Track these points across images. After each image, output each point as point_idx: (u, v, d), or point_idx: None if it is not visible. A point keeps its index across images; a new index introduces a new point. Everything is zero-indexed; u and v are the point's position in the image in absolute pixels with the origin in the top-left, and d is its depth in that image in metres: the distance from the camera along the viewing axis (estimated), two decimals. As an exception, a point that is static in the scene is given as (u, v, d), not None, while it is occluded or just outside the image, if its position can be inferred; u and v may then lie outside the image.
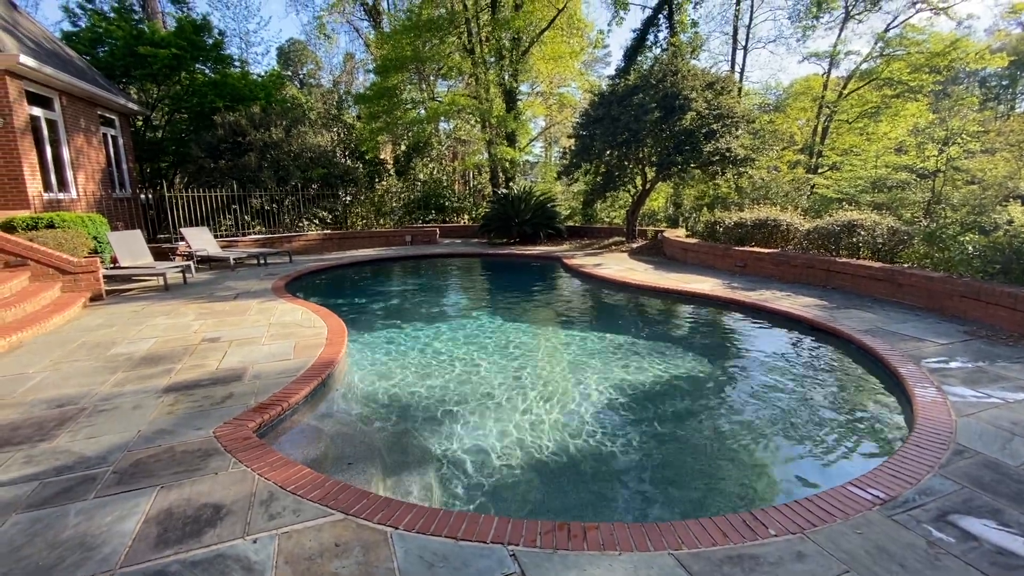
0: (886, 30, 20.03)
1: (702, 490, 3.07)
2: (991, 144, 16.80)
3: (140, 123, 17.13)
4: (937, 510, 2.42)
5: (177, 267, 8.62)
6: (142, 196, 14.72)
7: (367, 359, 5.33)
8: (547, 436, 3.62)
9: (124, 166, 13.96)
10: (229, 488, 2.67)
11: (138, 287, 8.43)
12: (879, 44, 19.93)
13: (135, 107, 13.78)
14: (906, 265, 6.98)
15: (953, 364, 4.31)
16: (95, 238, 9.10)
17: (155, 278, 8.81)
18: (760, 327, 6.28)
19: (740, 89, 22.00)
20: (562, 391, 4.41)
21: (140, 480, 2.76)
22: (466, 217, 20.23)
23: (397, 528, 2.34)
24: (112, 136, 13.41)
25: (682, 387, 4.50)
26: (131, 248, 9.18)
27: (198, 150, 13.71)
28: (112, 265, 8.95)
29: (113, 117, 13.36)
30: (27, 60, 9.19)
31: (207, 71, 16.34)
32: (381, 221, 17.17)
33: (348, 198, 15.93)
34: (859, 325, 5.49)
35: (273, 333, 5.52)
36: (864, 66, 20.93)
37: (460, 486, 3.04)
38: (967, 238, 6.76)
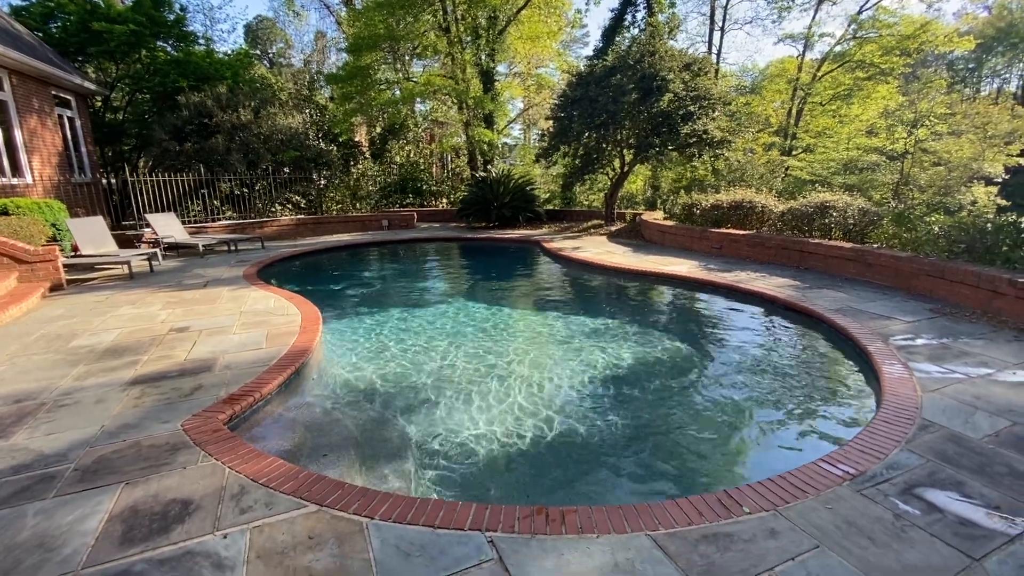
0: (859, 12, 20.24)
1: (676, 470, 3.11)
2: (957, 126, 17.22)
3: (99, 104, 16.34)
4: (904, 484, 2.49)
5: (142, 255, 8.31)
6: (105, 181, 14.13)
7: (343, 347, 5.23)
8: (523, 420, 3.61)
9: (83, 149, 13.32)
10: (198, 482, 2.60)
11: (101, 276, 8.11)
12: (852, 26, 20.14)
13: (92, 87, 13.11)
14: (875, 245, 7.14)
15: (919, 341, 4.44)
16: (53, 225, 8.70)
17: (119, 266, 8.48)
18: (735, 308, 6.37)
19: (717, 71, 22.06)
20: (539, 375, 4.41)
21: (103, 477, 2.66)
22: (444, 201, 19.97)
23: (373, 518, 2.30)
24: (69, 117, 12.76)
25: (657, 368, 4.54)
26: (93, 235, 8.80)
27: (161, 132, 13.15)
28: (73, 253, 8.58)
29: (69, 97, 12.70)
30: (-30, 35, 8.62)
31: (169, 49, 15.62)
32: (357, 206, 16.82)
33: (323, 182, 15.54)
34: (830, 304, 5.60)
35: (244, 322, 5.37)
36: (838, 48, 21.15)
37: (439, 473, 3.02)
38: (933, 218, 6.94)
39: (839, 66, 21.00)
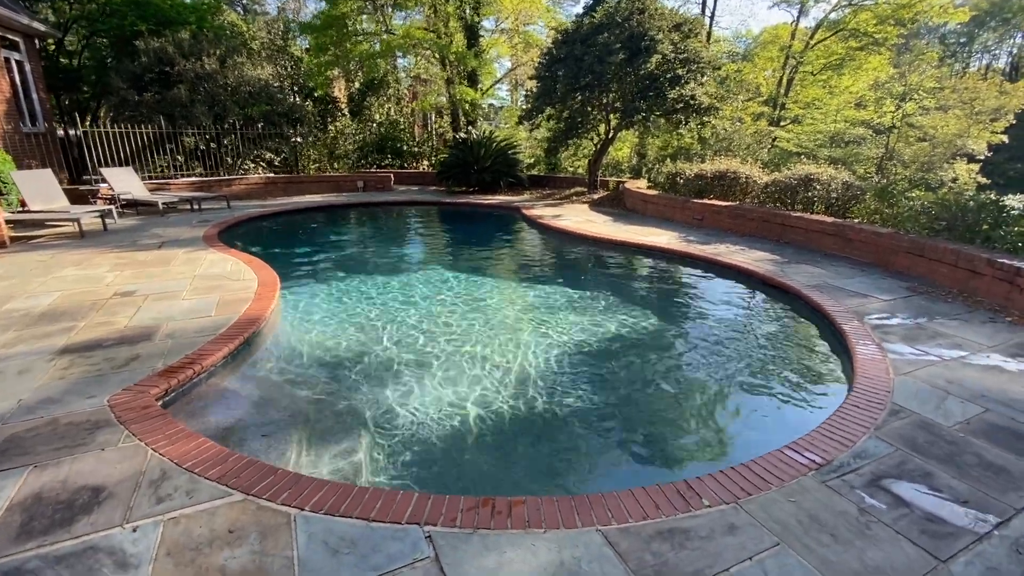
0: (857, -23, 19.62)
1: (636, 453, 2.98)
2: (945, 101, 17.05)
3: (52, 47, 15.22)
4: (871, 474, 2.38)
5: (95, 211, 7.81)
6: (62, 132, 13.25)
7: (300, 315, 4.97)
8: (478, 396, 3.43)
9: (34, 96, 12.38)
10: (115, 466, 2.37)
11: (50, 234, 7.62)
12: (849, -8, 19.56)
13: (42, 27, 12.08)
14: (857, 220, 7.01)
15: (894, 321, 4.34)
16: (-3, 178, 8.11)
17: (70, 224, 7.97)
18: (711, 282, 6.22)
19: (709, 35, 21.39)
20: (505, 350, 4.21)
21: (11, 459, 2.42)
22: (425, 163, 19.32)
23: (303, 509, 2.11)
24: (17, 61, 11.78)
25: (623, 344, 4.38)
26: (42, 190, 8.22)
27: (119, 80, 12.28)
28: (20, 209, 8.04)
29: (16, 39, 11.69)
30: None
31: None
32: (335, 165, 16.16)
33: (298, 139, 14.81)
34: (808, 280, 5.48)
35: (197, 287, 5.05)
36: (833, 16, 20.60)
37: (390, 458, 2.83)
38: (914, 194, 6.82)
39: (833, 34, 20.51)
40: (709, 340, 4.50)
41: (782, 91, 21.29)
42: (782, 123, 20.43)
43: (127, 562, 1.85)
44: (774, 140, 18.83)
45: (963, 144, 15.91)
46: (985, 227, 5.57)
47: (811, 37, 21.18)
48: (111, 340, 3.75)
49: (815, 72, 21.50)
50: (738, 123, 17.65)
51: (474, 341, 4.35)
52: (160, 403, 2.98)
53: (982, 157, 16.50)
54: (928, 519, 2.10)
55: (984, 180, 16.69)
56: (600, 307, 5.25)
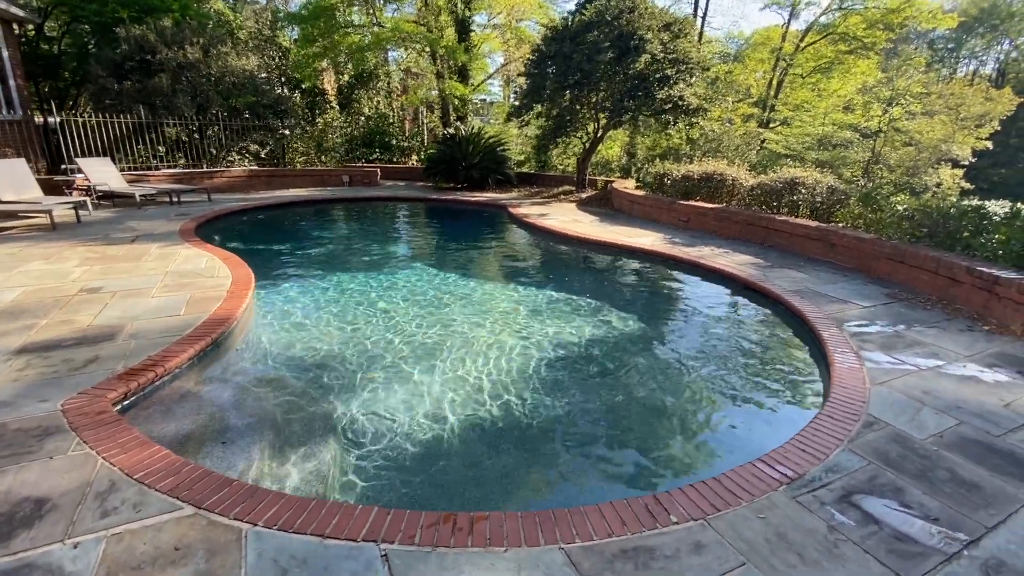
0: (847, -19, 19.71)
1: (603, 465, 2.92)
2: (932, 106, 17.21)
3: (32, 33, 14.81)
4: (842, 489, 2.34)
5: (67, 203, 7.59)
6: (41, 120, 12.91)
7: (274, 316, 4.85)
8: (453, 404, 3.36)
9: (11, 83, 12.02)
10: (62, 476, 2.26)
11: (21, 225, 7.40)
12: (839, -5, 19.66)
13: (19, 12, 11.73)
14: (841, 225, 7.02)
15: (873, 328, 4.32)
16: (-34, 166, 7.85)
17: (42, 216, 7.75)
18: (693, 285, 6.19)
19: (701, 35, 21.40)
20: (481, 354, 4.14)
21: (-49, 467, 2.30)
22: (414, 158, 19.14)
23: (256, 525, 2.02)
24: (-10, 45, 11.46)
25: (600, 349, 4.32)
26: (14, 180, 7.99)
27: (99, 68, 11.98)
28: (-10, 199, 7.79)
29: (-9, 23, 11.36)
30: None
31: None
32: (323, 159, 15.93)
33: (285, 131, 14.57)
34: (789, 285, 5.46)
35: (167, 284, 4.91)
36: (823, 19, 20.71)
37: (356, 469, 2.75)
38: (898, 199, 6.82)
39: (823, 37, 20.61)
40: (686, 346, 4.46)
41: (772, 93, 21.37)
42: (771, 125, 20.53)
43: (63, 582, 1.75)
44: (763, 142, 18.91)
45: (948, 149, 16.08)
46: (966, 234, 5.58)
47: (801, 40, 21.28)
48: (71, 340, 3.62)
49: (804, 75, 21.62)
50: (728, 124, 17.69)
51: (445, 345, 4.27)
52: (117, 408, 2.87)
53: (966, 163, 16.69)
54: (897, 537, 2.06)
55: (968, 185, 16.89)
56: (577, 310, 5.19)
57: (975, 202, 5.95)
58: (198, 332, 3.78)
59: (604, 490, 2.67)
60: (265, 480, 2.57)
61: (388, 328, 4.57)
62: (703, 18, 21.96)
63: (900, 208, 6.28)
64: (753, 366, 4.09)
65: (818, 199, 7.53)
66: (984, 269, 4.71)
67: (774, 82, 21.68)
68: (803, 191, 7.62)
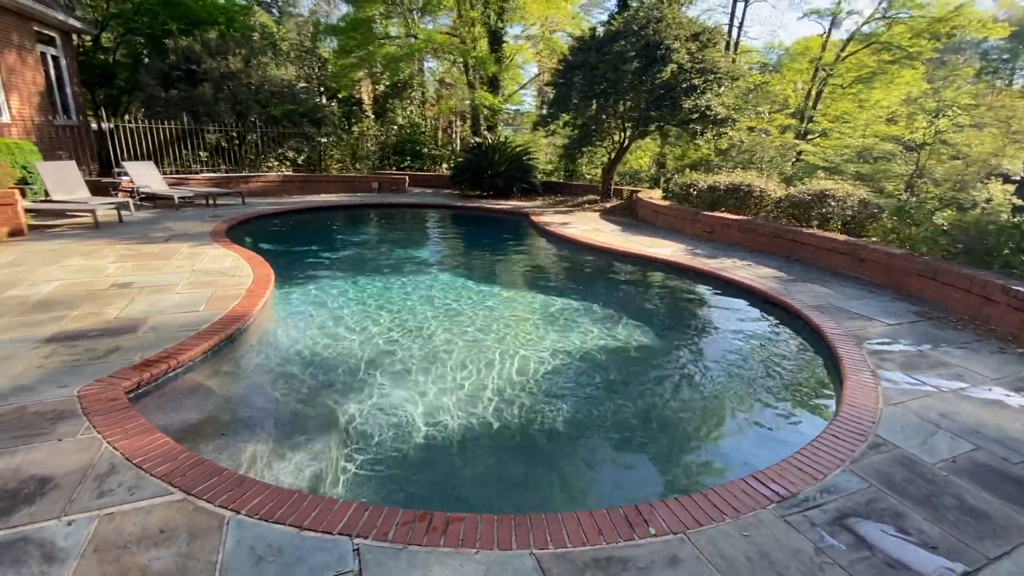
0: (892, -11, 19.06)
1: (596, 472, 2.88)
2: (981, 118, 16.39)
3: (89, 44, 15.82)
4: (836, 511, 2.24)
5: (110, 203, 8.04)
6: (95, 125, 13.72)
7: (289, 314, 5.00)
8: (456, 405, 3.38)
9: (68, 90, 12.88)
10: (68, 457, 2.39)
11: (68, 223, 7.87)
12: (883, 4, 19.02)
13: (77, 24, 12.58)
14: (874, 240, 6.76)
15: (895, 347, 4.14)
16: (24, 167, 8.41)
17: (87, 214, 8.22)
18: (710, 297, 6.06)
19: (737, 45, 21.06)
20: (486, 360, 4.15)
21: (-28, 444, 2.46)
22: (444, 166, 19.43)
23: (239, 513, 2.08)
24: (52, 56, 12.29)
25: (608, 358, 4.27)
26: (64, 180, 8.52)
27: (148, 77, 12.68)
28: (43, 198, 8.32)
29: (53, 35, 12.19)
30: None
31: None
32: (357, 166, 16.37)
33: (323, 139, 15.06)
34: (810, 300, 5.28)
35: (192, 281, 5.13)
36: (865, 28, 20.06)
37: (352, 464, 2.80)
38: (945, 214, 6.50)
39: (865, 46, 19.95)
40: (694, 360, 4.37)
41: (810, 103, 20.79)
42: (809, 136, 19.94)
43: (54, 556, 1.85)
44: (799, 154, 18.38)
45: (998, 164, 15.25)
46: (1006, 252, 5.29)
47: (842, 49, 20.65)
48: (96, 331, 3.82)
49: (845, 85, 20.95)
50: (764, 135, 17.28)
51: (451, 350, 4.31)
52: (129, 396, 3.01)
53: (1018, 177, 15.79)
54: (889, 564, 1.96)
55: (1020, 201, 15.96)
56: (588, 319, 5.15)
57: (1017, 219, 5.64)
58: (213, 327, 3.94)
59: (588, 499, 2.63)
60: (257, 471, 2.64)
61: (395, 329, 4.65)
62: (739, 28, 21.63)
63: (941, 223, 5.99)
64: (763, 382, 3.96)
65: (848, 212, 7.27)
66: (1022, 288, 4.45)
67: (813, 92, 21.09)
68: (832, 204, 7.37)
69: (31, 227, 7.29)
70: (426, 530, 2.03)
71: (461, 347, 4.33)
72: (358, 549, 1.93)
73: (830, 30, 21.27)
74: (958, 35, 18.34)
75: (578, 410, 3.43)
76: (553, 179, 16.13)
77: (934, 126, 16.40)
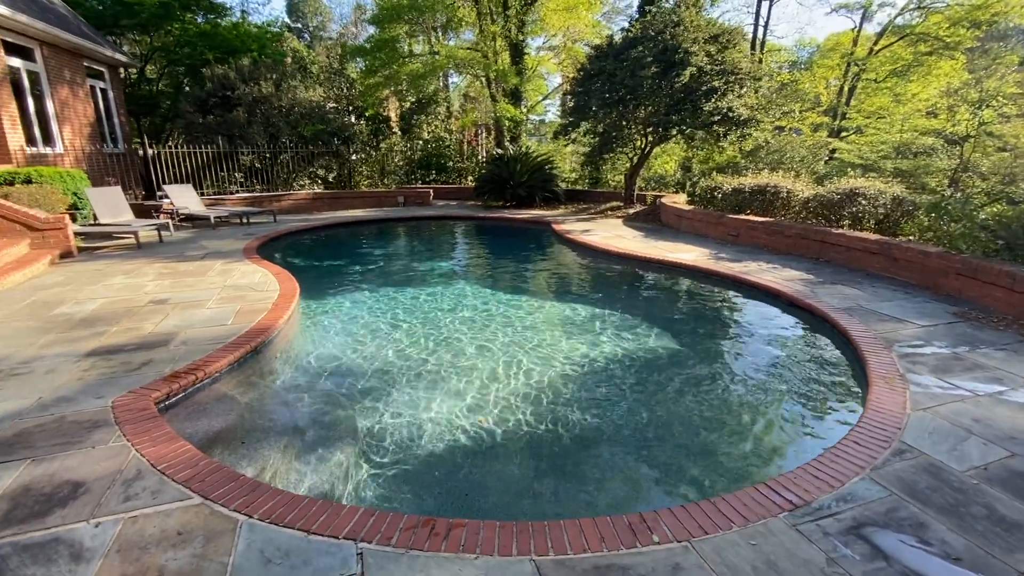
0: (926, -22, 18.39)
1: (606, 479, 2.86)
2: (1029, 107, 15.52)
3: (135, 76, 16.82)
4: (852, 520, 2.16)
5: (151, 225, 8.49)
6: (141, 152, 14.58)
7: (313, 326, 5.16)
8: (462, 414, 3.41)
9: (116, 120, 13.73)
10: (99, 464, 2.53)
11: (114, 245, 8.35)
12: (917, -6, 18.35)
13: (124, 58, 13.44)
14: (910, 238, 6.48)
15: (928, 349, 3.95)
16: (75, 194, 8.99)
17: (129, 236, 8.71)
18: (732, 301, 5.93)
19: (763, 44, 20.66)
20: (503, 367, 4.18)
21: (16, 452, 2.64)
22: (469, 178, 19.70)
23: (251, 517, 2.17)
24: (101, 89, 13.15)
25: (625, 364, 4.23)
26: (110, 204, 9.06)
27: (187, 104, 13.40)
28: (91, 222, 8.87)
29: (102, 69, 13.05)
30: (-3, 7, 8.87)
31: (200, 20, 15.83)
32: (385, 181, 16.80)
33: (353, 156, 15.55)
34: (838, 302, 5.10)
35: (223, 296, 5.36)
36: (899, 20, 19.38)
37: (366, 472, 2.87)
38: (993, 209, 6.16)
39: (900, 38, 19.25)
40: (712, 365, 4.29)
41: (843, 100, 20.16)
42: (843, 134, 19.31)
43: (81, 555, 1.96)
44: (833, 152, 17.81)
45: (1051, 154, 14.39)
46: (1052, 247, 5.00)
47: (875, 43, 20.00)
48: (132, 345, 4.04)
49: (879, 79, 20.23)
50: (796, 134, 16.84)
51: (477, 355, 4.35)
52: (159, 407, 3.17)
53: (1074, 168, 14.85)
54: (906, 575, 1.87)
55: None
56: (605, 325, 5.12)
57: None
58: (239, 340, 4.10)
59: (596, 506, 2.62)
60: (275, 478, 2.74)
61: (418, 341, 4.73)
62: (765, 27, 21.23)
63: (984, 218, 5.70)
64: (785, 389, 3.85)
65: (880, 211, 7.00)
66: (1067, 285, 4.20)
67: (845, 89, 20.46)
68: (864, 202, 7.11)
69: (80, 249, 7.77)
70: (428, 535, 2.06)
71: (479, 357, 4.37)
72: (362, 553, 1.97)
73: (861, 24, 20.67)
74: (1001, 22, 17.49)
75: (613, 417, 3.41)
76: (577, 187, 16.14)
77: (978, 117, 15.64)
